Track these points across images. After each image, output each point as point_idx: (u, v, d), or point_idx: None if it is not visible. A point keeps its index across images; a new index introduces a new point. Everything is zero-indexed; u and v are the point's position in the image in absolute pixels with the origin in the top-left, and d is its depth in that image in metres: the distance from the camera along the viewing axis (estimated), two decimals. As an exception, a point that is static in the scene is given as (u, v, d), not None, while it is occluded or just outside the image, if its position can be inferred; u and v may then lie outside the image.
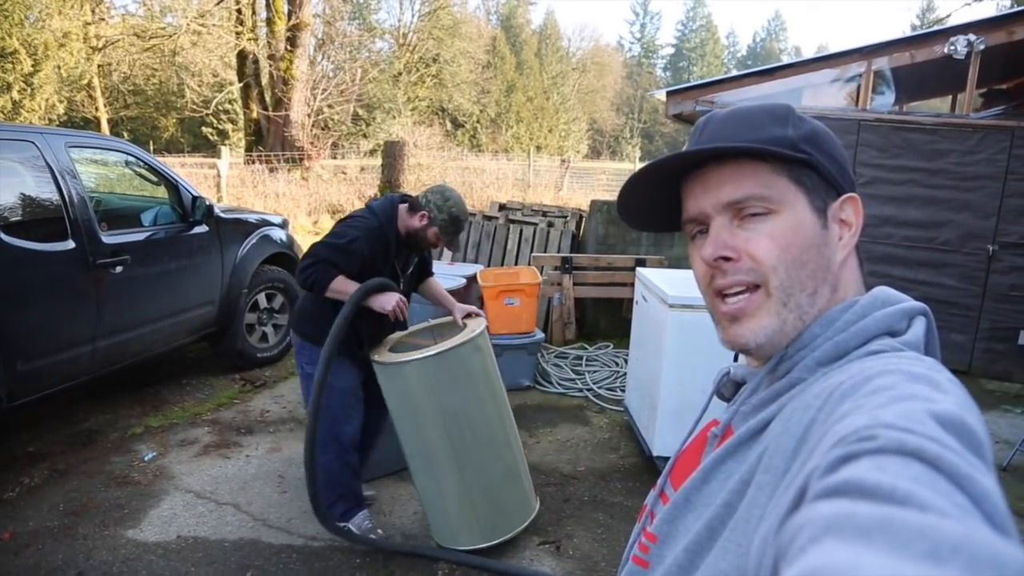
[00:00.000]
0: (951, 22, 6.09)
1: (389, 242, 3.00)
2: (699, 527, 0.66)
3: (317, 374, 2.71)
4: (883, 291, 0.71)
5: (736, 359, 3.13)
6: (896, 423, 0.46)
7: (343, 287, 2.85)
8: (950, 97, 9.14)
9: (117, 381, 4.75)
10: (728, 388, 0.85)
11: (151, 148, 19.56)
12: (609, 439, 4.48)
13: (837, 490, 0.42)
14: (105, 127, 18.69)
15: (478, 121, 37.40)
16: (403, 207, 3.06)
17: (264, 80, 18.02)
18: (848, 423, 0.50)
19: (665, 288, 3.82)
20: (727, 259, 0.72)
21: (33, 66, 14.80)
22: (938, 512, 0.38)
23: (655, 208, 0.82)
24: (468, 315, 3.25)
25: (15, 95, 14.59)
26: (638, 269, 4.53)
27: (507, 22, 49.61)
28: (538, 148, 29.76)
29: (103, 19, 18.17)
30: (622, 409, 4.75)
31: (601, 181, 19.04)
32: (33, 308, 3.45)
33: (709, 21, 65.35)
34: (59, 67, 15.99)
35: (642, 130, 53.51)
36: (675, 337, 3.76)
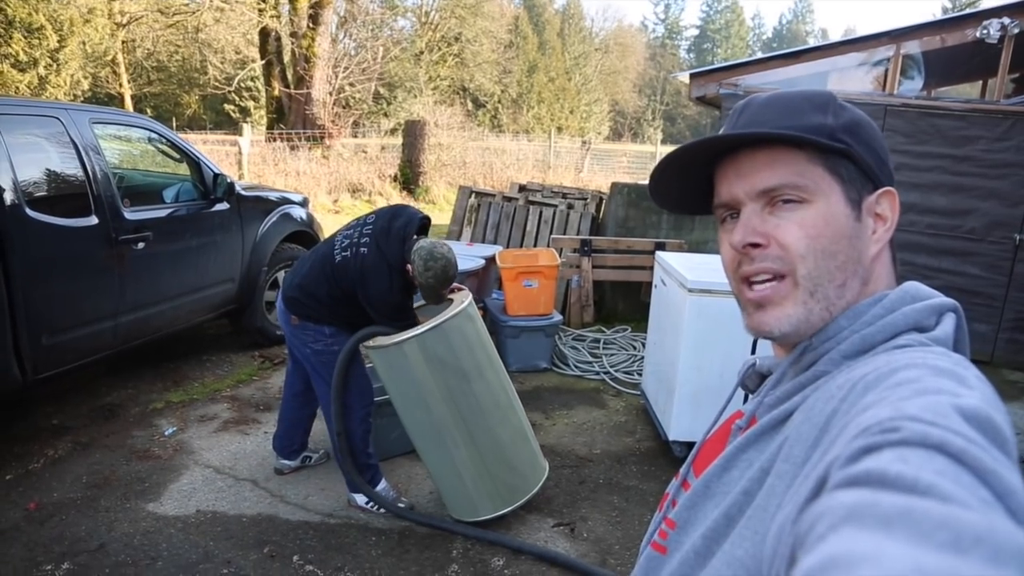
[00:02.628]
0: (983, 5, 5.92)
1: (406, 281, 3.08)
2: (717, 514, 0.66)
3: (340, 364, 3.00)
4: (913, 286, 0.70)
5: (754, 349, 3.10)
6: (920, 416, 0.46)
7: None
8: (980, 82, 8.95)
9: (139, 356, 4.81)
10: (753, 380, 0.84)
11: (174, 125, 19.68)
12: (625, 422, 4.48)
13: (858, 480, 0.42)
14: (129, 103, 18.83)
15: (499, 101, 37.22)
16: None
17: (286, 58, 18.00)
18: (871, 414, 0.50)
19: (684, 272, 3.80)
20: (756, 245, 0.72)
21: (59, 42, 14.89)
22: (961, 504, 0.38)
23: (687, 190, 0.82)
24: (451, 290, 3.29)
25: (41, 71, 14.71)
26: (657, 253, 4.50)
27: (530, 1, 49.14)
28: (559, 129, 29.60)
29: (127, -5, 18.24)
30: (639, 393, 4.75)
31: (622, 163, 18.92)
32: (57, 283, 3.49)
33: (735, 2, 64.34)
34: (84, 43, 16.09)
35: (664, 112, 52.97)
36: (693, 322, 3.74)
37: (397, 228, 3.04)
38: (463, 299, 3.05)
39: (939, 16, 7.46)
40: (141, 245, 3.96)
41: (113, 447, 3.80)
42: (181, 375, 4.83)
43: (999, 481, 0.40)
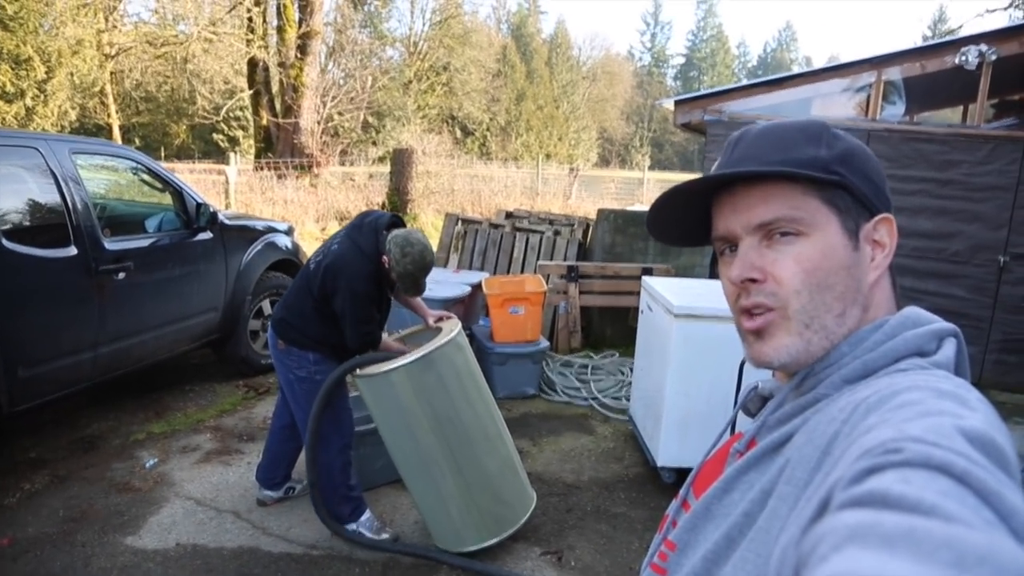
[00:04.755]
0: (962, 34, 6.02)
1: (380, 279, 3.07)
2: (718, 536, 0.66)
3: (323, 391, 2.95)
4: (914, 311, 0.70)
5: (740, 374, 3.07)
6: (923, 437, 0.46)
7: (388, 345, 3.16)
8: (961, 108, 9.08)
9: (121, 386, 4.74)
10: (755, 403, 0.84)
11: (162, 155, 19.68)
12: (613, 448, 4.43)
13: (861, 500, 0.42)
14: (117, 134, 18.82)
15: (488, 129, 37.50)
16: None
17: (274, 87, 18.09)
18: (874, 436, 0.50)
19: (670, 298, 3.79)
20: (753, 280, 0.72)
21: (47, 73, 14.92)
22: (964, 524, 0.38)
23: (684, 224, 0.83)
24: (439, 319, 3.30)
25: (28, 102, 14.72)
26: (644, 278, 4.50)
27: (518, 31, 49.79)
28: (548, 156, 29.82)
29: (116, 27, 18.30)
30: (627, 418, 4.71)
31: (610, 189, 19.03)
32: (35, 314, 3.44)
33: (720, 31, 65.40)
34: (72, 74, 16.13)
35: (652, 139, 53.50)
36: (680, 347, 3.73)
37: (368, 222, 3.08)
38: (452, 328, 3.03)
39: (920, 43, 7.58)
40: (122, 275, 3.92)
41: (92, 480, 3.72)
42: (163, 405, 4.76)
43: (1002, 502, 0.40)
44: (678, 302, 3.72)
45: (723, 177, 0.72)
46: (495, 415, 3.11)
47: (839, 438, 0.57)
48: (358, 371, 2.91)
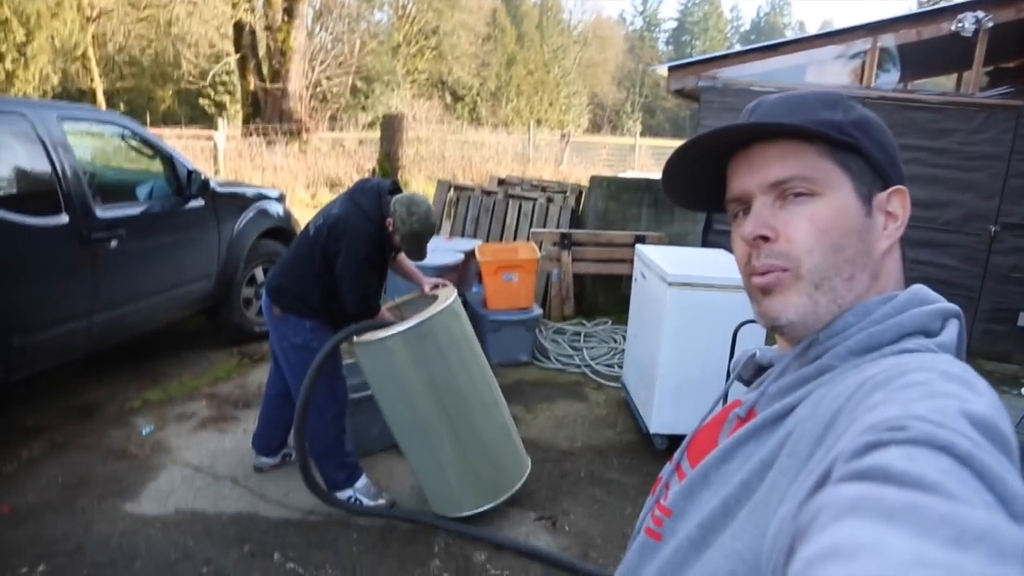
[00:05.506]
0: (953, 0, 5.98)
1: (383, 242, 3.07)
2: (714, 504, 0.67)
3: (318, 360, 2.91)
4: (921, 289, 0.71)
5: (734, 341, 3.11)
6: (928, 416, 0.47)
7: (382, 315, 3.14)
8: (956, 75, 9.05)
9: (116, 354, 4.74)
10: (749, 370, 0.84)
11: (147, 120, 19.37)
12: (606, 415, 4.48)
13: (863, 474, 0.43)
14: (101, 99, 18.51)
15: (478, 94, 37.13)
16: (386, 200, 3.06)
17: (261, 52, 17.82)
18: (879, 412, 0.50)
19: (664, 266, 3.81)
20: (765, 239, 0.72)
21: (26, 36, 14.62)
22: (965, 503, 0.38)
23: (699, 185, 0.82)
24: (435, 286, 3.32)
25: (8, 65, 14.44)
26: (637, 246, 4.51)
27: (508, -7, 48.99)
28: (538, 122, 29.59)
29: (97, -12, 17.90)
30: (619, 386, 4.76)
31: (601, 156, 18.94)
32: (28, 283, 3.42)
33: (712, -6, 64.57)
34: (52, 37, 15.79)
35: (643, 104, 53.12)
36: (674, 315, 3.75)
37: (370, 187, 3.08)
38: (448, 295, 3.04)
39: (915, 9, 7.53)
40: (114, 243, 3.89)
41: (90, 447, 3.74)
42: (159, 373, 4.77)
43: (1004, 486, 0.41)
44: (672, 270, 3.74)
45: (742, 128, 0.72)
46: (491, 382, 3.14)
47: (843, 413, 0.57)
48: (355, 338, 2.92)
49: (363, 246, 2.97)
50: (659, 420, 3.90)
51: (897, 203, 0.74)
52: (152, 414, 4.16)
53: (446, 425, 2.93)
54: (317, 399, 3.03)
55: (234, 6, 16.88)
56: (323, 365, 2.93)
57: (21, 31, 14.36)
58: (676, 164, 0.79)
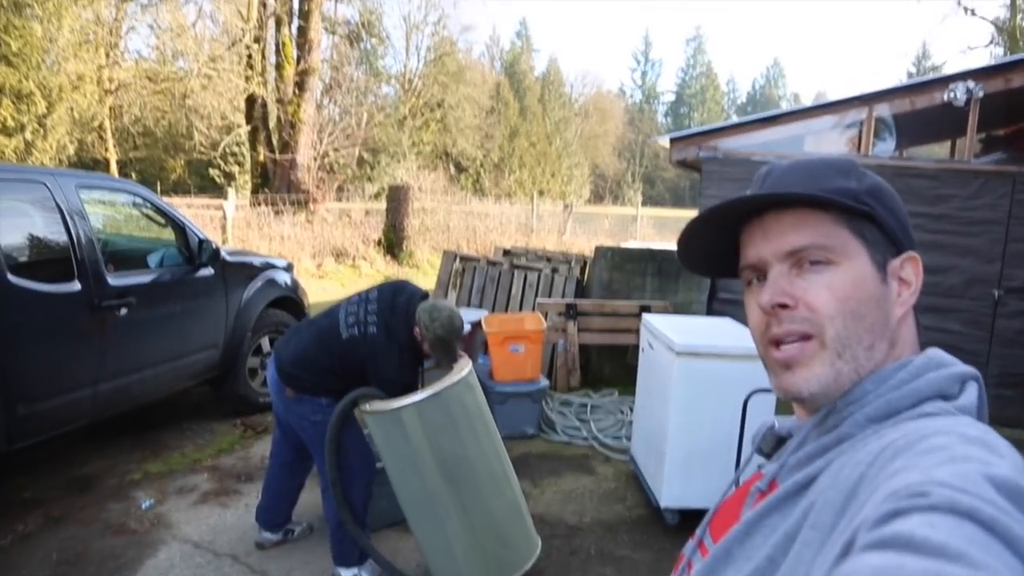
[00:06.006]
0: (947, 70, 6.18)
1: (415, 350, 3.08)
2: None
3: (333, 426, 2.90)
4: (937, 353, 0.71)
5: (744, 412, 3.05)
6: (950, 482, 0.46)
7: None
8: (949, 142, 9.23)
9: (118, 424, 4.69)
10: (769, 442, 0.84)
11: (158, 189, 19.69)
12: (615, 489, 4.40)
13: (885, 543, 0.42)
14: (114, 168, 18.87)
15: (481, 165, 37.80)
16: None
17: (272, 123, 18.27)
18: (900, 479, 0.50)
19: (672, 335, 3.80)
20: (784, 306, 0.72)
21: (47, 108, 15.00)
22: (990, 572, 0.38)
23: (714, 253, 0.83)
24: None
25: (28, 136, 14.76)
26: (644, 315, 4.51)
27: (511, 68, 50.51)
28: (541, 193, 30.05)
29: (117, 63, 18.48)
30: (628, 458, 4.68)
31: (604, 226, 19.13)
32: (37, 350, 3.42)
33: (709, 68, 66.58)
34: (72, 109, 16.21)
35: (644, 175, 54.03)
36: (682, 385, 3.72)
37: (401, 305, 3.04)
38: (463, 366, 3.01)
39: (906, 80, 7.74)
40: (124, 311, 3.90)
41: (87, 521, 3.66)
42: (161, 444, 4.71)
43: None
44: (680, 340, 3.73)
45: (759, 199, 0.73)
46: (503, 456, 3.09)
47: (865, 481, 0.57)
48: (367, 407, 2.89)
49: (400, 362, 2.97)
50: (669, 494, 3.82)
51: (910, 270, 0.75)
52: (152, 487, 4.09)
53: (455, 499, 2.87)
54: (350, 462, 3.00)
55: (247, 80, 17.38)
56: (339, 428, 2.90)
57: (43, 104, 14.75)
58: (692, 233, 0.80)
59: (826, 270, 0.71)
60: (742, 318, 3.88)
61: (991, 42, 27.11)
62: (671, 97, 68.24)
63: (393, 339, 2.99)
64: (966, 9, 25.73)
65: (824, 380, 0.71)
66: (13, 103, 14.37)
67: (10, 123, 14.39)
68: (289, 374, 3.10)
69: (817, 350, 0.71)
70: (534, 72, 53.43)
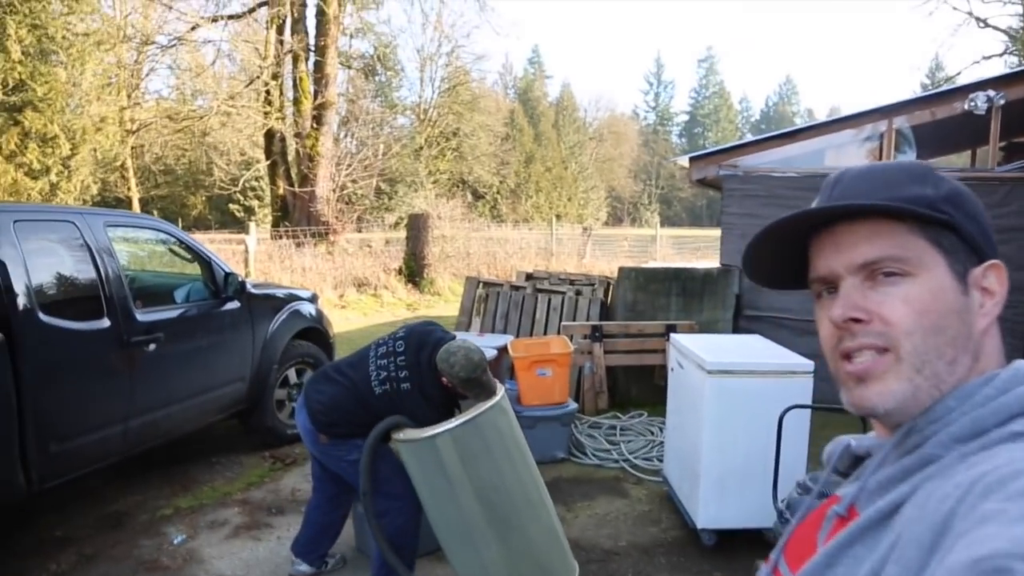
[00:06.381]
0: (961, 80, 6.15)
1: (450, 396, 3.07)
2: None
3: (364, 460, 2.89)
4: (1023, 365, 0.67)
5: (780, 430, 2.96)
6: None
7: None
8: (969, 152, 9.16)
9: (147, 460, 4.69)
10: (844, 461, 0.80)
11: (180, 225, 19.91)
12: (649, 511, 4.32)
13: None
14: (136, 206, 19.19)
15: (498, 192, 38.01)
16: None
17: (291, 157, 18.52)
18: (986, 537, 0.47)
19: (702, 354, 3.75)
20: (857, 320, 0.69)
21: (71, 150, 15.30)
22: None
23: (781, 265, 0.80)
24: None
25: (53, 177, 15.05)
26: (672, 335, 4.46)
27: (524, 95, 50.95)
28: (558, 216, 30.14)
29: (138, 103, 18.89)
30: (661, 479, 4.60)
31: (623, 248, 19.12)
32: (68, 388, 3.44)
33: (722, 88, 66.72)
34: (95, 150, 16.54)
35: (660, 196, 54.04)
36: (714, 404, 3.66)
37: (425, 361, 3.02)
38: (496, 392, 2.99)
39: (919, 91, 7.71)
40: (152, 347, 3.93)
41: (119, 558, 3.65)
42: (190, 479, 4.70)
43: None
44: (711, 358, 3.67)
45: (830, 211, 0.70)
46: (538, 481, 3.04)
47: (955, 520, 0.54)
48: (400, 436, 2.86)
49: (438, 415, 2.93)
50: (706, 514, 3.74)
51: (993, 278, 0.71)
52: (183, 522, 4.07)
53: (492, 525, 2.82)
54: (392, 491, 2.98)
55: (266, 115, 17.67)
56: (373, 461, 2.88)
57: (67, 146, 15.06)
58: (759, 244, 0.77)
59: (902, 282, 0.68)
60: (769, 335, 3.82)
61: (1005, 51, 27.02)
62: (685, 118, 68.46)
63: (427, 395, 2.99)
64: (978, 20, 25.67)
65: (900, 396, 0.67)
66: (39, 147, 14.68)
67: (36, 166, 14.68)
68: (322, 422, 3.08)
69: (892, 364, 0.68)
70: (547, 98, 53.91)
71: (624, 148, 53.59)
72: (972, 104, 5.91)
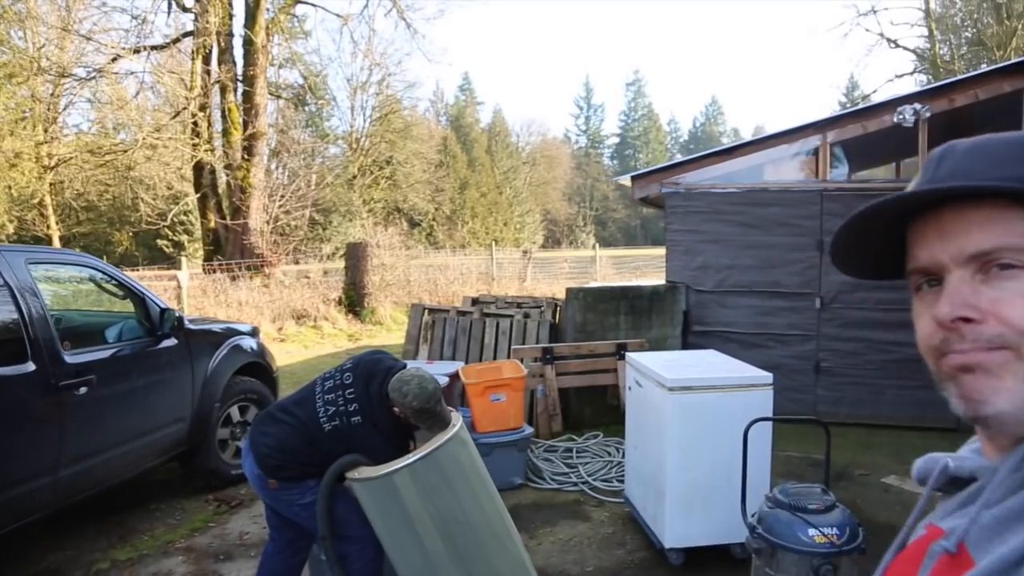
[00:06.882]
0: (876, 98, 6.40)
1: (402, 428, 2.94)
2: None
3: (321, 504, 2.73)
4: None
5: (745, 444, 2.94)
6: None
7: None
8: (894, 164, 9.53)
9: (79, 510, 4.38)
10: (940, 483, 0.69)
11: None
12: (613, 533, 4.25)
13: None
14: (57, 244, 18.30)
15: (434, 219, 37.84)
16: None
17: (221, 189, 18.03)
18: None
19: (662, 372, 3.72)
20: (968, 320, 0.60)
21: (-18, 187, 14.59)
22: None
23: (875, 253, 0.71)
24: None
25: (-37, 217, 14.29)
26: (628, 354, 4.44)
27: (456, 122, 51.06)
28: (495, 241, 30.18)
29: (56, 138, 18.11)
30: (622, 500, 4.54)
31: (564, 269, 19.22)
32: (-11, 439, 3.17)
33: (650, 110, 68.27)
34: (10, 187, 15.77)
35: (595, 217, 54.72)
36: (677, 421, 3.63)
37: (375, 392, 2.87)
38: (454, 422, 2.86)
39: (839, 109, 8.01)
40: (83, 390, 3.67)
41: (53, 622, 3.36)
42: (127, 528, 4.40)
43: None
44: (671, 376, 3.65)
45: (933, 192, 0.61)
46: (502, 511, 2.93)
47: None
48: (355, 475, 2.71)
49: (390, 448, 2.80)
50: (673, 533, 3.69)
51: None
52: (123, 576, 3.80)
53: (457, 563, 2.69)
54: (351, 534, 2.82)
55: (195, 147, 17.16)
56: (329, 504, 2.71)
57: (-23, 183, 14.34)
58: (850, 231, 0.67)
59: (1022, 276, 0.59)
60: (719, 349, 3.81)
61: (915, 70, 28.56)
62: (615, 140, 69.60)
63: (380, 428, 2.84)
64: (889, 40, 27.08)
65: (1019, 400, 0.58)
66: (-53, 184, 13.94)
67: (-55, 205, 13.93)
68: (271, 466, 2.89)
69: (1012, 360, 0.58)
70: (480, 124, 54.10)
71: (557, 171, 54.13)
72: (900, 117, 6.13)
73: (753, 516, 2.98)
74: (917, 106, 6.12)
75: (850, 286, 6.31)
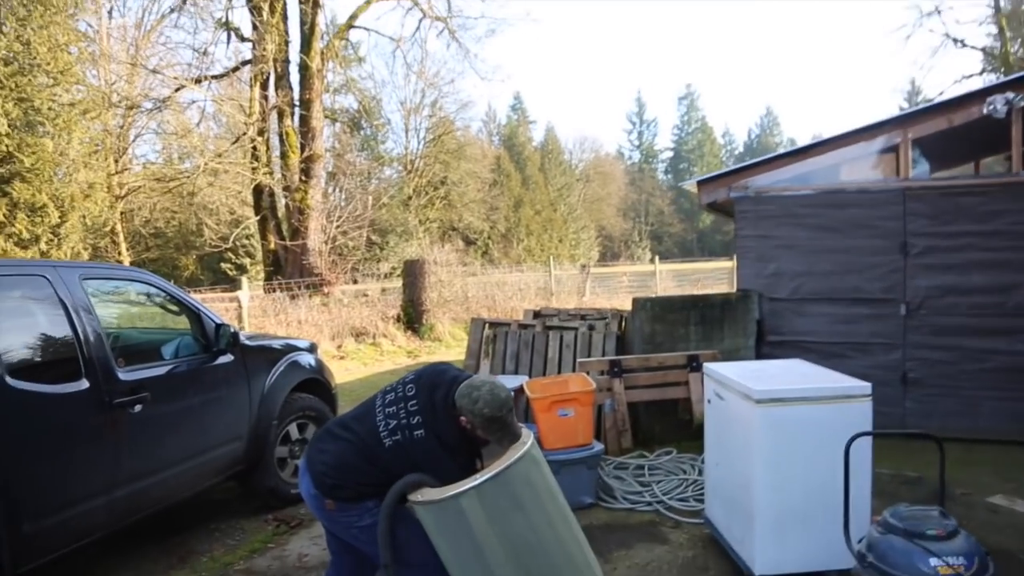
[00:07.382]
0: (937, 97, 5.98)
1: (470, 441, 2.74)
2: None
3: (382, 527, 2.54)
4: None
5: (847, 459, 2.54)
6: None
7: None
8: (973, 164, 8.96)
9: (138, 531, 4.27)
10: None
11: (171, 288, 19.62)
12: (694, 557, 3.92)
13: None
14: (127, 271, 18.92)
15: (489, 237, 37.88)
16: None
17: (280, 212, 18.37)
18: None
19: (748, 383, 3.41)
20: None
21: (60, 217, 15.06)
22: None
23: None
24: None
25: (43, 246, 14.75)
26: (707, 365, 4.11)
27: (509, 141, 51.23)
28: (551, 258, 29.97)
29: (126, 168, 18.73)
30: (702, 521, 4.22)
31: (623, 283, 18.87)
32: (42, 459, 3.09)
33: (704, 123, 67.35)
34: (84, 217, 16.30)
35: (650, 232, 54.07)
36: (766, 436, 3.31)
37: (440, 402, 2.67)
38: (525, 439, 2.61)
39: (905, 108, 7.55)
40: (138, 408, 3.57)
41: (109, 650, 3.22)
42: (187, 549, 4.28)
43: None
44: (759, 387, 3.33)
45: None
46: (579, 537, 2.66)
47: None
48: (418, 497, 2.49)
49: (456, 464, 2.61)
50: (764, 559, 3.35)
51: None
52: (181, 601, 3.65)
53: (531, 593, 2.43)
54: (412, 559, 2.62)
55: (254, 171, 17.56)
56: (390, 527, 2.49)
57: (56, 214, 14.81)
58: None
59: None
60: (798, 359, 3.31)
61: (983, 70, 27.37)
62: (669, 154, 68.83)
63: (444, 443, 2.62)
64: (955, 40, 26.07)
65: None
66: (27, 216, 14.43)
67: (25, 235, 14.40)
68: (327, 485, 2.69)
69: None
70: (532, 143, 54.16)
71: (611, 187, 53.74)
72: (991, 107, 5.68)
73: (860, 542, 2.65)
74: (1010, 95, 5.67)
75: (939, 291, 5.87)
